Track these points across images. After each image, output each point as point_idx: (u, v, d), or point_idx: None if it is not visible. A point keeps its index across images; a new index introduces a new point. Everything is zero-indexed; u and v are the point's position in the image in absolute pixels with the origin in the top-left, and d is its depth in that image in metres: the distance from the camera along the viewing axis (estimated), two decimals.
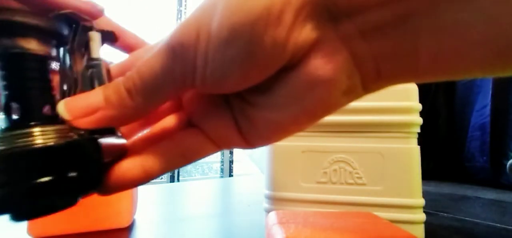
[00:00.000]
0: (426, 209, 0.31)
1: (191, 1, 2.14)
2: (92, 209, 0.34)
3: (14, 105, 0.13)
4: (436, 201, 0.61)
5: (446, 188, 0.81)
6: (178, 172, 1.89)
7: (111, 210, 0.35)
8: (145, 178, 0.15)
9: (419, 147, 0.31)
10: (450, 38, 0.11)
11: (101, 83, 0.15)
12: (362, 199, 0.31)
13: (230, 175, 2.07)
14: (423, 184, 0.31)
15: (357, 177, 0.32)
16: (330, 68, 0.13)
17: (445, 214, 0.49)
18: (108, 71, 0.16)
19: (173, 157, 0.15)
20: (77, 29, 0.15)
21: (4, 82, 0.13)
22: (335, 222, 0.21)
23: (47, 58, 0.14)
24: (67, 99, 0.14)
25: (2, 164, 0.11)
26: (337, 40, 0.13)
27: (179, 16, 2.20)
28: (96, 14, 0.15)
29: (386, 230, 0.21)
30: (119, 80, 0.14)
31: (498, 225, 0.43)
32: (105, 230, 0.35)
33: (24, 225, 0.32)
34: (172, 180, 1.82)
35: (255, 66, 0.13)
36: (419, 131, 0.32)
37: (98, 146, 0.13)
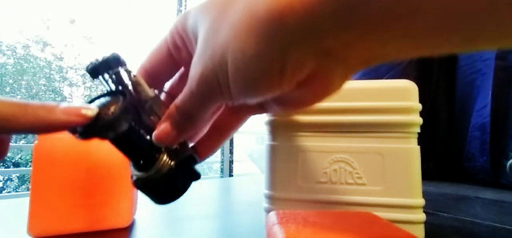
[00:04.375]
0: (426, 209, 0.31)
1: (191, 1, 2.14)
2: (92, 209, 0.34)
3: (138, 160, 0.21)
4: (436, 201, 0.61)
5: (446, 188, 0.81)
6: None
7: (111, 210, 0.35)
8: (212, 153, 0.23)
9: (419, 147, 0.31)
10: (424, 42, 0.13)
11: (158, 112, 0.21)
12: (362, 199, 0.31)
13: (230, 175, 2.07)
14: (423, 184, 0.31)
15: (357, 177, 0.32)
16: (328, 81, 0.17)
17: (445, 214, 0.49)
18: (159, 99, 0.22)
19: (221, 136, 0.23)
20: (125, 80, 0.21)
21: (120, 151, 0.21)
22: (335, 222, 0.21)
23: (132, 120, 0.20)
24: (154, 135, 0.20)
25: (161, 181, 0.21)
26: (333, 61, 0.16)
27: None
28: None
29: (386, 230, 0.21)
30: (176, 115, 0.19)
31: (498, 225, 0.43)
32: (105, 230, 0.35)
33: (24, 225, 0.32)
34: None
35: (267, 96, 0.17)
36: (419, 131, 0.32)
37: (195, 158, 0.23)
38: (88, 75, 0.21)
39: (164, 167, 0.21)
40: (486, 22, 0.11)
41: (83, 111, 0.18)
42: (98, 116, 0.18)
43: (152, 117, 0.21)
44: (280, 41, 0.14)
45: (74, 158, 0.33)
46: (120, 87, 0.20)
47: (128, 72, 0.21)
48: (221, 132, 0.23)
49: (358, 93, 0.32)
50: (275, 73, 0.15)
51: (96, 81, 0.21)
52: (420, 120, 0.31)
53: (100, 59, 0.20)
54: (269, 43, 0.14)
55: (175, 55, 0.21)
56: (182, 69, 0.24)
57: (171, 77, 0.24)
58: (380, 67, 0.92)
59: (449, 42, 0.13)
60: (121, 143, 0.20)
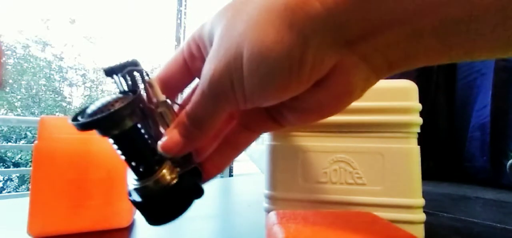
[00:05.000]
0: (426, 209, 0.31)
1: (191, 1, 2.14)
2: (92, 209, 0.34)
3: (137, 164, 0.19)
4: (436, 201, 0.61)
5: (446, 188, 0.81)
6: None
7: (111, 210, 0.35)
8: (220, 171, 0.22)
9: (419, 147, 0.31)
10: (456, 38, 0.13)
11: (168, 121, 0.20)
12: (362, 199, 0.31)
13: (230, 175, 2.07)
14: (423, 184, 0.31)
15: (357, 177, 0.32)
16: (350, 81, 0.16)
17: (445, 214, 0.49)
18: (172, 107, 0.21)
19: (232, 153, 0.22)
20: (138, 77, 0.20)
21: (122, 154, 0.19)
22: (335, 222, 0.21)
23: (139, 122, 0.19)
24: (159, 143, 0.19)
25: (160, 194, 0.19)
26: (355, 58, 0.15)
27: (179, 16, 2.20)
28: None
29: (386, 230, 0.21)
30: (185, 122, 0.18)
31: (498, 225, 0.43)
32: (105, 230, 0.35)
33: (24, 225, 0.32)
34: None
35: (284, 95, 0.16)
36: (419, 131, 0.32)
37: (200, 172, 0.21)
38: (105, 75, 0.19)
39: (165, 178, 0.19)
40: None
41: None
42: (102, 109, 0.17)
43: (161, 125, 0.20)
44: (302, 29, 0.13)
45: (74, 158, 0.33)
46: (132, 88, 0.20)
47: (142, 73, 0.20)
48: (231, 149, 0.22)
49: None
50: (294, 64, 0.14)
51: (106, 82, 0.20)
52: (420, 120, 0.31)
53: (119, 62, 0.19)
54: (290, 31, 0.13)
55: (190, 64, 0.21)
56: (196, 81, 0.23)
57: (183, 88, 0.23)
58: None
59: (485, 43, 0.12)
60: (122, 143, 0.19)
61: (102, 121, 0.17)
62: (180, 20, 2.31)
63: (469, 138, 0.93)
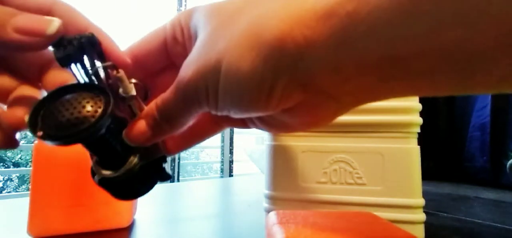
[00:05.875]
0: (426, 209, 0.31)
1: (190, 2, 2.14)
2: (92, 209, 0.34)
3: (105, 159, 0.19)
4: (436, 201, 0.61)
5: (446, 188, 0.81)
6: (178, 172, 1.89)
7: (111, 210, 0.35)
8: (178, 152, 0.22)
9: (419, 147, 0.31)
10: (420, 81, 0.14)
11: (135, 109, 0.19)
12: (362, 199, 0.31)
13: (230, 175, 2.07)
14: (423, 184, 0.31)
15: (357, 177, 0.32)
16: (317, 114, 0.17)
17: (445, 214, 0.49)
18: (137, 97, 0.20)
19: (194, 139, 0.22)
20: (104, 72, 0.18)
21: (90, 151, 0.19)
22: (335, 222, 0.21)
23: (111, 124, 0.17)
24: (126, 132, 0.19)
25: (129, 181, 0.20)
26: (323, 97, 0.16)
27: None
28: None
29: (386, 230, 0.21)
30: (155, 115, 0.18)
31: (498, 225, 0.43)
32: (105, 230, 0.35)
33: (24, 225, 0.32)
34: (172, 180, 1.82)
35: (253, 115, 0.18)
36: (419, 131, 0.32)
37: (166, 158, 0.22)
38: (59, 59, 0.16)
39: (135, 168, 0.19)
40: (478, 66, 0.12)
41: (43, 26, 0.15)
42: (69, 117, 0.16)
43: (127, 114, 0.19)
44: (275, 66, 0.14)
45: (74, 158, 0.33)
46: (94, 75, 0.18)
47: (112, 67, 0.18)
48: (196, 135, 0.22)
49: None
50: (262, 95, 0.15)
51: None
52: (420, 120, 0.31)
53: (73, 41, 0.16)
54: (265, 64, 0.14)
55: (170, 47, 0.20)
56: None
57: (156, 68, 0.21)
58: None
59: (444, 87, 0.14)
60: (92, 144, 0.18)
61: (78, 136, 0.15)
62: None
63: (469, 138, 0.93)
